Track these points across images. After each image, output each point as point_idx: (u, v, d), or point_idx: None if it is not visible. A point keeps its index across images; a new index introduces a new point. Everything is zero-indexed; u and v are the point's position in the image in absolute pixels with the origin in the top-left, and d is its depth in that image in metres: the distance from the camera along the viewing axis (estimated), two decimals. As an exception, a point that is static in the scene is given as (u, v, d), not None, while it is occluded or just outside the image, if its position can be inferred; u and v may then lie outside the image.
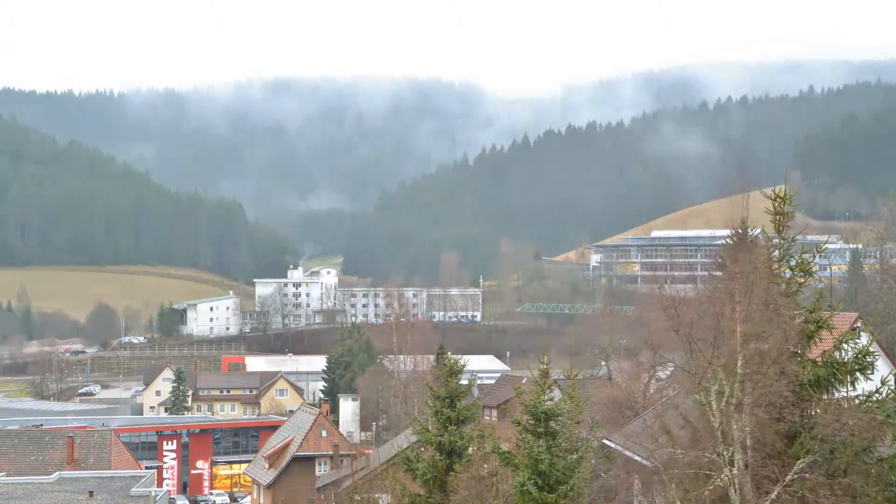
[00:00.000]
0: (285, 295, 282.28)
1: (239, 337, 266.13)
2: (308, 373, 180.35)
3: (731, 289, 24.26)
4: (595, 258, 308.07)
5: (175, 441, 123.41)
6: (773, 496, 23.17)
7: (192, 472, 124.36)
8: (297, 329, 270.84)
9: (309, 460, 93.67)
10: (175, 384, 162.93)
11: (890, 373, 29.52)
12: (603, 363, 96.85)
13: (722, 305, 24.15)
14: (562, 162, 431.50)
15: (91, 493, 48.39)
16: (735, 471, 23.37)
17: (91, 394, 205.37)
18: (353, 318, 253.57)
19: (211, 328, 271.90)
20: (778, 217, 26.24)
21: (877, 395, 24.59)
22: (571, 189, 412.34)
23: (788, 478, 23.13)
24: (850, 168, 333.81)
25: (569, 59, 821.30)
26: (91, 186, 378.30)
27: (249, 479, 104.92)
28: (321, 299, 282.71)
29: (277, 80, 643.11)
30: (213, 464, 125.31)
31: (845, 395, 24.68)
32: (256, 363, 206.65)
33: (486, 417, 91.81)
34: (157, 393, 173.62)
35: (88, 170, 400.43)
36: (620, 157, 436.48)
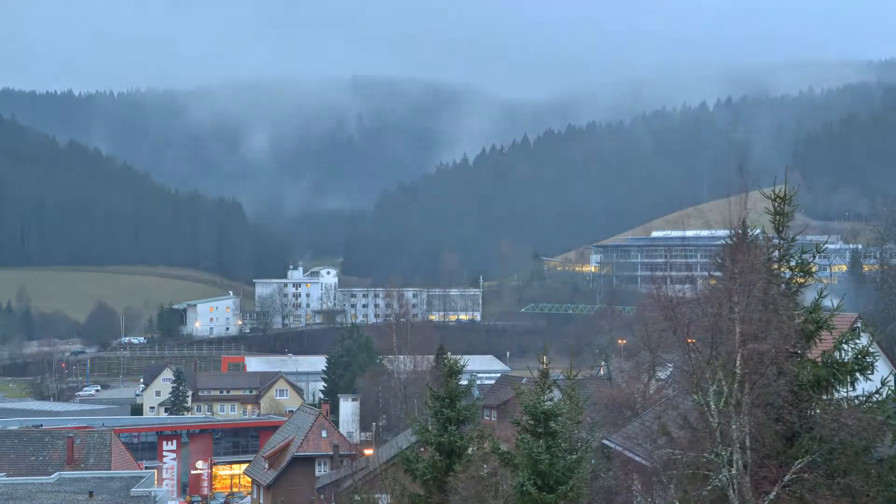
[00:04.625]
0: (285, 295, 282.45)
1: (239, 337, 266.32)
2: (308, 373, 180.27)
3: (729, 289, 24.25)
4: (595, 258, 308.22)
5: (175, 441, 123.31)
6: (771, 496, 23.16)
7: (192, 472, 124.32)
8: (297, 329, 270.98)
9: (309, 460, 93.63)
10: (175, 384, 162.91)
11: (890, 373, 29.50)
12: (602, 363, 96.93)
13: (720, 305, 24.14)
14: (562, 162, 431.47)
15: (91, 494, 48.41)
16: (734, 471, 23.36)
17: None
18: (353, 319, 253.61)
19: (211, 328, 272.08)
20: (778, 217, 26.21)
21: (877, 395, 24.57)
22: (571, 189, 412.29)
23: (787, 478, 23.12)
24: (850, 168, 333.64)
25: (568, 59, 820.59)
26: (91, 186, 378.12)
27: (249, 480, 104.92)
28: (321, 299, 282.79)
29: (277, 79, 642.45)
30: (213, 464, 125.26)
31: (845, 395, 24.67)
32: (256, 363, 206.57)
33: (486, 417, 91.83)
34: (157, 393, 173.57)
35: (88, 170, 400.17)
36: (620, 157, 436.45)
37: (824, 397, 24.59)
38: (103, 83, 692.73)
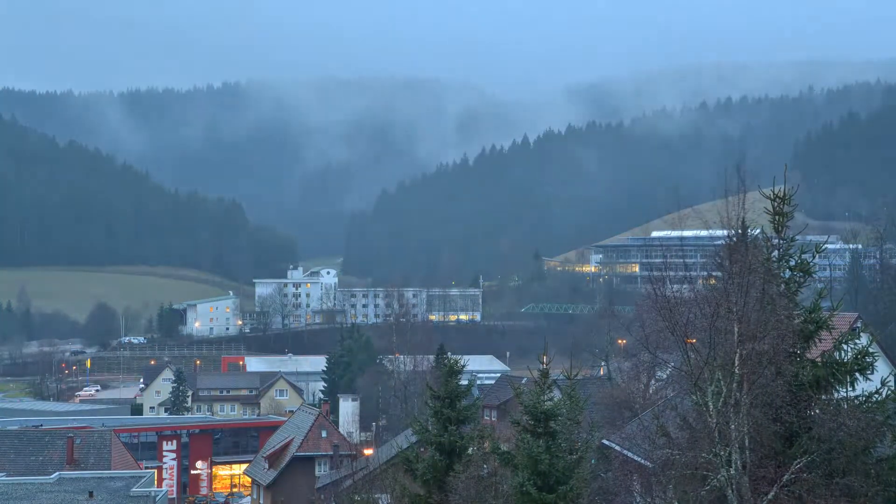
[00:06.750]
0: (285, 295, 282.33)
1: (239, 337, 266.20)
2: (308, 373, 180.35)
3: (727, 289, 24.26)
4: (595, 258, 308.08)
5: (175, 441, 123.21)
6: (770, 496, 23.17)
7: (192, 472, 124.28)
8: (297, 329, 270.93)
9: (309, 460, 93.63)
10: (175, 384, 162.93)
11: (890, 374, 29.49)
12: (602, 363, 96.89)
13: (718, 305, 24.14)
14: (562, 162, 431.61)
15: (91, 494, 48.47)
16: (732, 471, 23.37)
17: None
18: (353, 319, 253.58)
19: (211, 328, 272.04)
20: (777, 217, 26.17)
21: (876, 395, 24.56)
22: (571, 189, 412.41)
23: (786, 478, 23.13)
24: (850, 168, 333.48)
25: (568, 59, 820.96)
26: (91, 186, 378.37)
27: (249, 480, 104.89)
28: (321, 299, 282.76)
29: (276, 80, 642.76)
30: (213, 464, 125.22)
31: (845, 395, 24.65)
32: (256, 363, 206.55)
33: (486, 417, 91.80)
34: (157, 393, 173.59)
35: (88, 170, 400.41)
36: (620, 157, 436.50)
37: (824, 397, 24.58)
38: (103, 83, 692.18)
